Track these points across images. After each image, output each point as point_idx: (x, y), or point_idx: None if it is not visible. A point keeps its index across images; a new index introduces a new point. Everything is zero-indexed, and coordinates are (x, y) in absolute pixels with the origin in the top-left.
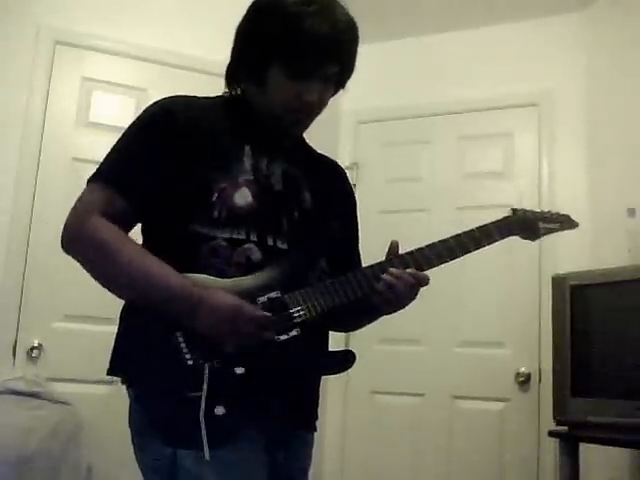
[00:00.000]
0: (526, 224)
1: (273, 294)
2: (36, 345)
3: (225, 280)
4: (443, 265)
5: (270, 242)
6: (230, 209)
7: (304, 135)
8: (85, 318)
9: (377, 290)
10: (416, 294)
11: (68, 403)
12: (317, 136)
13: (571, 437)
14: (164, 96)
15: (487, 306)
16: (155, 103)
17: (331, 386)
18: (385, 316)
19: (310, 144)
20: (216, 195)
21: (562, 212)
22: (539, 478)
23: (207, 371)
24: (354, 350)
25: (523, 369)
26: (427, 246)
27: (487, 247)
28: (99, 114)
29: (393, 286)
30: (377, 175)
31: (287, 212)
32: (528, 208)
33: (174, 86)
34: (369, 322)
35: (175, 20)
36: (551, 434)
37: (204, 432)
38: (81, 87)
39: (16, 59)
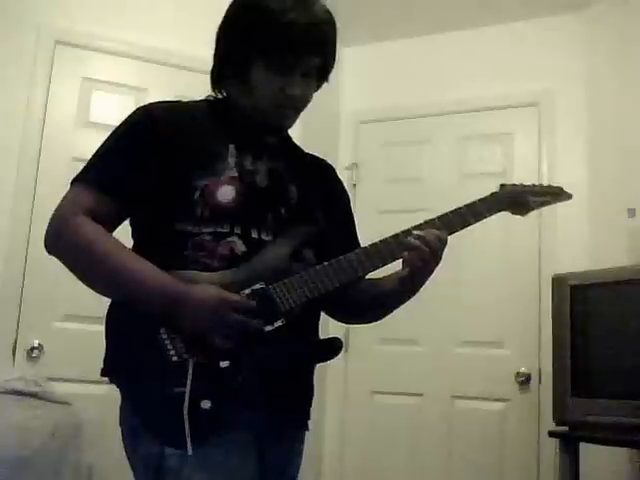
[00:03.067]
0: (515, 198)
1: (257, 286)
2: (36, 345)
3: (210, 274)
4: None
5: (254, 235)
6: (212, 206)
7: (302, 138)
8: (85, 318)
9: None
10: (441, 255)
11: (68, 403)
12: (317, 136)
13: (571, 437)
14: (164, 96)
15: (487, 306)
16: (137, 109)
17: (331, 386)
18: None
19: (310, 144)
20: (198, 193)
21: (554, 184)
22: (539, 478)
23: (191, 366)
24: (354, 350)
25: (523, 369)
26: (413, 227)
27: (476, 225)
28: (99, 114)
29: (414, 241)
30: (377, 175)
31: (273, 209)
32: (517, 182)
33: (174, 86)
34: (386, 308)
35: (175, 20)
36: (551, 434)
37: (187, 426)
38: (81, 87)
39: (16, 59)
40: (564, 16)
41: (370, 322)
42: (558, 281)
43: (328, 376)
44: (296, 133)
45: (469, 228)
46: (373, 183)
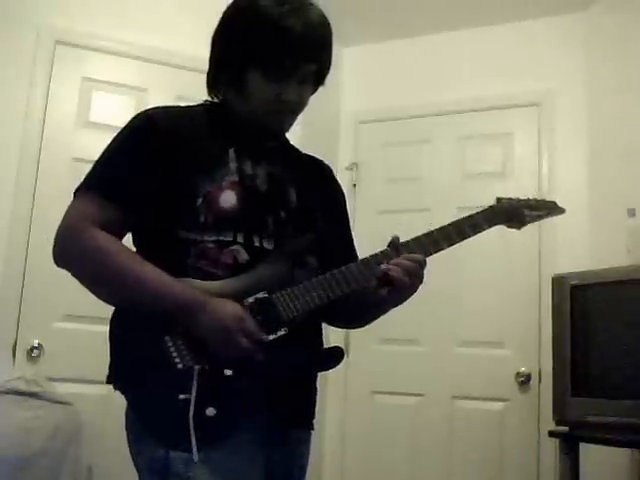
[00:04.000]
0: (511, 212)
1: (260, 295)
2: (36, 345)
3: (213, 283)
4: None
5: (256, 243)
6: (216, 213)
7: (302, 138)
8: (85, 318)
9: (374, 279)
10: (421, 276)
11: (68, 403)
12: (317, 136)
13: (571, 437)
14: (164, 96)
15: (487, 306)
16: (138, 114)
17: (331, 386)
18: (386, 316)
19: (310, 144)
20: (201, 200)
21: (548, 199)
22: (539, 478)
23: (196, 373)
24: (354, 350)
25: (523, 369)
26: (412, 239)
27: (473, 237)
28: (99, 114)
29: (392, 273)
30: (377, 175)
31: (273, 213)
32: (513, 197)
33: (174, 86)
34: (375, 316)
35: (175, 20)
36: (551, 434)
37: (193, 433)
38: (81, 87)
39: (16, 59)
40: (564, 16)
41: (355, 328)
42: (558, 281)
43: (328, 376)
44: (296, 133)
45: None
46: (373, 183)
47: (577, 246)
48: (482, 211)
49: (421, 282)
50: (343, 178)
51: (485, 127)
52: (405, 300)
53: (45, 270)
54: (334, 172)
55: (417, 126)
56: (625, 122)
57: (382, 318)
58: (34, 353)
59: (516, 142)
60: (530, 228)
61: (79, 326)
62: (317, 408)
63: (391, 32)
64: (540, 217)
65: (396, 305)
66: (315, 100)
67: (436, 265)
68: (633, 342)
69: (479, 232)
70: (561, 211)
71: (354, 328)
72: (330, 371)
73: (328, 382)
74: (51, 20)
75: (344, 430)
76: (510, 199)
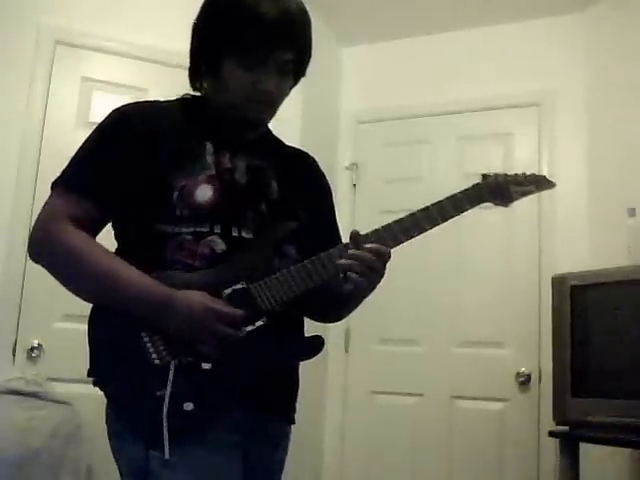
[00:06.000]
0: (497, 189)
1: (238, 285)
2: (36, 345)
3: (191, 274)
4: (412, 240)
5: (235, 233)
6: (191, 206)
7: (302, 138)
8: (85, 318)
9: (342, 269)
10: (382, 271)
11: (68, 403)
12: (317, 136)
13: (571, 437)
14: (164, 96)
15: (487, 306)
16: (113, 111)
17: (331, 386)
18: (386, 316)
19: (310, 144)
20: (177, 193)
21: (538, 173)
22: (539, 478)
23: (172, 368)
24: (354, 350)
25: (523, 369)
26: (394, 222)
27: (458, 217)
28: (99, 114)
29: (354, 264)
30: (377, 175)
31: (252, 205)
32: (500, 172)
33: (174, 86)
34: (347, 309)
35: (175, 20)
36: (551, 434)
37: (165, 429)
38: (81, 87)
39: (16, 59)
40: (565, 16)
41: (332, 321)
42: (558, 281)
43: (328, 376)
44: (296, 133)
45: (463, 223)
46: (373, 183)
47: (577, 246)
48: (465, 190)
49: (380, 276)
50: (343, 178)
51: (485, 127)
52: (368, 290)
53: (45, 270)
54: (320, 166)
55: (417, 126)
56: (625, 122)
57: (382, 318)
58: (34, 353)
59: (516, 142)
60: (530, 228)
61: (79, 326)
62: (317, 408)
63: (391, 32)
64: (528, 192)
65: (360, 294)
66: (315, 100)
67: (436, 265)
68: (633, 342)
69: (463, 212)
70: (551, 185)
71: (331, 322)
72: (330, 371)
73: (328, 382)
74: (51, 20)
75: (344, 430)
76: (496, 175)
